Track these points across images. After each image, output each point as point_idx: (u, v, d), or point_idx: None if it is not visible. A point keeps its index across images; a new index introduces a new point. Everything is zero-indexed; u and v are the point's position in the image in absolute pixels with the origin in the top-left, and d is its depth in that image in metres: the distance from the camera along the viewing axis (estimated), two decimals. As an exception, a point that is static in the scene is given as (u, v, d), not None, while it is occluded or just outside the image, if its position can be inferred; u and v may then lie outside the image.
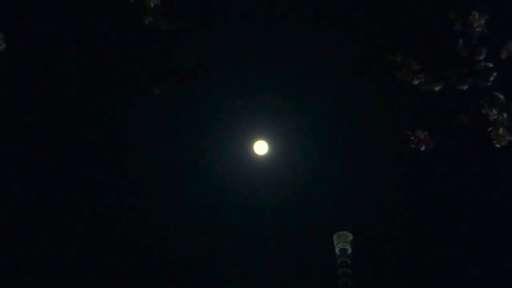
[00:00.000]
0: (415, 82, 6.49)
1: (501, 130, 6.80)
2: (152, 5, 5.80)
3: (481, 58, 6.53)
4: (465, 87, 6.59)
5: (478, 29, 6.56)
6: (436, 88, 6.52)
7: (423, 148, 6.70)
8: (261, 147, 23.78)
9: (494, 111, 6.75)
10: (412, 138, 6.70)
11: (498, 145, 6.82)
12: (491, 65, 6.57)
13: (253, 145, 23.82)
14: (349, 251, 50.09)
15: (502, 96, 6.75)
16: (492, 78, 6.59)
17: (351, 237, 49.40)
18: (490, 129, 6.79)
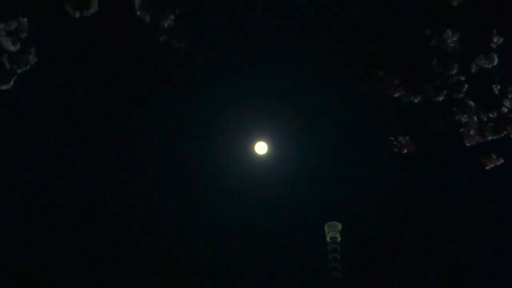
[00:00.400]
0: (396, 95, 6.66)
1: (471, 132, 6.99)
2: (165, 26, 5.97)
3: (454, 72, 6.63)
4: (440, 98, 6.67)
5: (451, 45, 6.66)
6: (416, 100, 6.67)
7: (405, 151, 6.88)
8: (261, 148, 23.94)
9: (466, 117, 6.96)
10: (395, 143, 6.88)
11: (468, 144, 7.02)
12: (463, 78, 6.67)
13: (254, 146, 23.96)
14: (339, 239, 50.36)
15: (472, 103, 6.93)
16: (464, 90, 6.67)
17: (340, 226, 49.72)
18: (463, 130, 7.00)
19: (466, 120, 6.94)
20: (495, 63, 6.74)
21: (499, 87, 6.84)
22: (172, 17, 5.91)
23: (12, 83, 5.56)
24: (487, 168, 7.09)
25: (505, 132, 6.96)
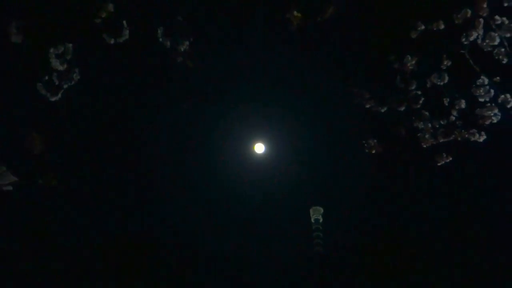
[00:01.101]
0: (367, 106, 6.67)
1: (426, 136, 6.98)
2: (182, 50, 5.96)
3: (413, 88, 6.66)
4: (402, 109, 6.69)
5: (410, 67, 6.65)
6: (382, 110, 6.68)
7: (373, 152, 6.87)
8: (259, 148, 23.88)
9: (422, 124, 6.96)
10: (366, 144, 6.88)
11: (424, 146, 7.01)
12: (419, 92, 6.68)
13: (253, 146, 23.92)
14: (321, 220, 50.44)
15: (427, 113, 6.92)
16: (420, 102, 6.69)
17: (322, 210, 49.79)
18: (420, 134, 7.00)
19: (422, 126, 6.92)
20: (446, 81, 6.72)
21: (448, 100, 6.84)
22: (187, 43, 5.90)
23: (59, 95, 5.54)
24: (438, 164, 7.07)
25: (453, 136, 6.94)
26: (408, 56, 6.61)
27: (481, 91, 6.66)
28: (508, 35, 6.32)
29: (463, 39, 6.38)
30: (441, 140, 6.90)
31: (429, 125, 6.88)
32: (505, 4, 5.95)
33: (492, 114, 6.71)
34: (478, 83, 6.67)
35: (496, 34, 6.32)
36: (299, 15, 5.42)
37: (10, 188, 5.61)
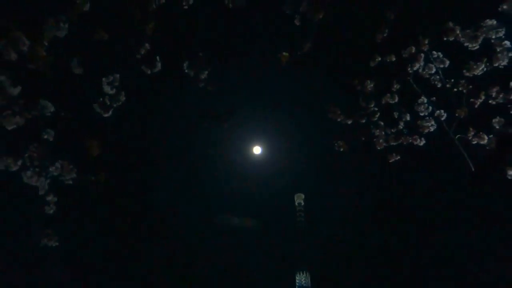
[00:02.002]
0: (338, 119, 6.73)
1: (380, 140, 7.02)
2: (202, 78, 5.98)
3: (371, 105, 6.69)
4: (363, 121, 6.74)
5: (369, 89, 6.74)
6: (349, 122, 6.73)
7: (342, 150, 6.91)
8: (257, 150, 23.89)
9: (378, 131, 7.00)
10: (336, 144, 6.92)
11: (379, 148, 7.05)
12: (376, 109, 6.72)
13: (252, 148, 23.94)
14: (302, 204, 50.53)
15: (382, 123, 6.96)
16: (377, 116, 6.74)
17: (303, 196, 49.92)
18: (376, 139, 7.04)
19: (378, 133, 6.96)
20: (396, 100, 6.77)
21: (397, 114, 6.89)
22: (206, 72, 5.93)
23: (110, 113, 5.57)
24: (390, 161, 7.11)
25: (400, 141, 6.99)
26: (368, 81, 6.68)
27: (422, 107, 6.73)
28: (441, 66, 6.40)
29: (409, 69, 6.44)
30: (392, 144, 6.92)
31: (383, 132, 6.89)
32: (444, 35, 6.01)
33: (429, 125, 6.76)
34: (419, 102, 6.72)
35: (433, 65, 6.40)
36: (286, 54, 5.52)
37: (71, 182, 5.64)
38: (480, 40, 5.69)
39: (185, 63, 5.74)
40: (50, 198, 5.59)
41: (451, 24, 5.79)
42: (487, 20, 5.49)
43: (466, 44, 5.78)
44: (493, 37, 5.60)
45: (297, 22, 5.42)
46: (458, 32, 5.79)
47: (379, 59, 6.43)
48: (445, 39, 5.95)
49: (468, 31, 5.70)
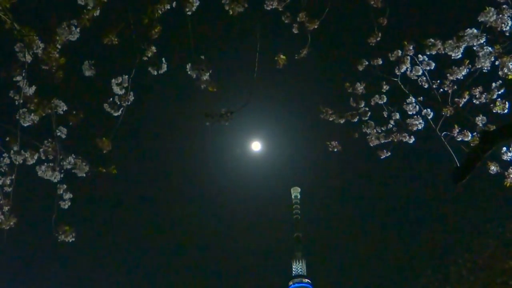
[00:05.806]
0: (330, 119, 6.83)
1: (372, 138, 7.12)
2: (204, 79, 6.06)
3: (362, 106, 6.84)
4: (355, 120, 6.88)
5: (359, 91, 6.88)
6: (341, 121, 6.86)
7: (335, 150, 7.03)
8: (256, 146, 23.92)
9: (369, 130, 7.12)
10: (329, 145, 7.04)
11: (371, 145, 7.17)
12: (367, 109, 6.87)
13: (251, 144, 23.98)
14: (299, 196, 50.72)
15: (373, 123, 7.05)
16: (368, 115, 6.89)
17: (299, 189, 50.09)
18: (368, 137, 7.18)
19: (369, 132, 7.08)
20: (385, 100, 6.92)
21: (387, 113, 7.01)
22: (208, 74, 6.01)
23: (120, 112, 5.68)
24: (381, 157, 7.26)
25: (391, 138, 7.10)
26: (358, 83, 6.80)
27: (410, 107, 6.85)
28: (427, 68, 6.53)
29: (396, 71, 6.57)
30: (383, 141, 7.03)
31: (374, 130, 7.01)
32: (426, 49, 6.15)
33: (417, 123, 6.86)
34: (407, 101, 6.84)
35: (420, 67, 6.53)
36: (284, 57, 5.64)
37: (84, 175, 5.79)
38: (462, 49, 5.81)
39: (188, 65, 5.80)
40: (64, 192, 5.74)
41: (431, 40, 5.90)
42: (468, 29, 5.62)
43: (449, 53, 5.90)
44: (475, 44, 5.72)
45: (295, 31, 5.55)
46: (439, 46, 5.90)
47: (367, 63, 6.55)
48: (428, 53, 6.07)
49: (450, 41, 5.81)
